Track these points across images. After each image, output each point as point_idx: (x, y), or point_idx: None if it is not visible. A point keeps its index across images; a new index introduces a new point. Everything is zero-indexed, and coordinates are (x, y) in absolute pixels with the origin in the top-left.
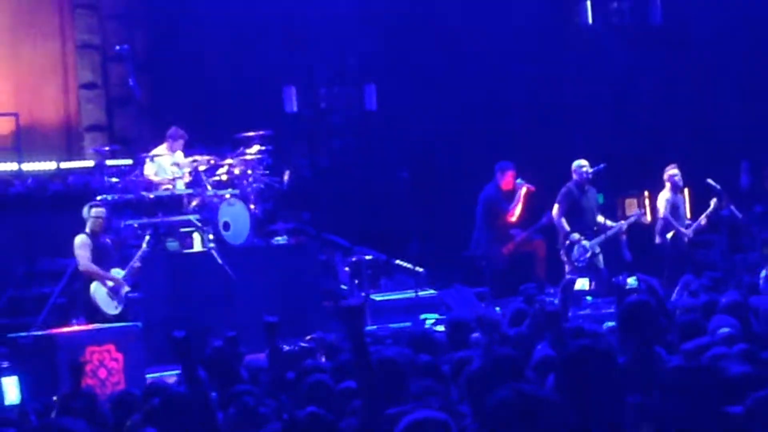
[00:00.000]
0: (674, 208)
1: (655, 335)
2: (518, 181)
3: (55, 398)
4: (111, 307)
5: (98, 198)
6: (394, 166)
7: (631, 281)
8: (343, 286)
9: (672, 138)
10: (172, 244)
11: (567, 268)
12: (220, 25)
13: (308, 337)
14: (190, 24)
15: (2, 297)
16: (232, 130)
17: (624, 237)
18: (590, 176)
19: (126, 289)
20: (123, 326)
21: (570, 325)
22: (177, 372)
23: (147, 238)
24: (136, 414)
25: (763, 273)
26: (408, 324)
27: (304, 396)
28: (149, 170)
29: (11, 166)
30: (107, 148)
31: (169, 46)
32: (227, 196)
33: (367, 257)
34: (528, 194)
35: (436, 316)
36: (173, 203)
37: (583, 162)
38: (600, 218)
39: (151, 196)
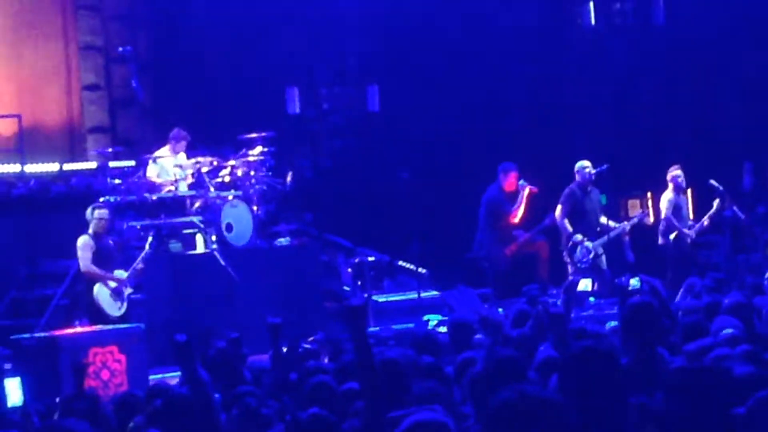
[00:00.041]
0: (677, 209)
1: (658, 336)
2: (521, 182)
3: (57, 400)
4: (114, 309)
5: (101, 199)
6: (396, 167)
7: (634, 282)
8: (346, 287)
9: (675, 139)
10: (175, 246)
11: (570, 269)
12: (223, 26)
13: (311, 339)
14: (192, 25)
15: (5, 298)
16: (234, 131)
17: (627, 238)
18: (593, 177)
19: (129, 290)
20: (126, 328)
21: (573, 326)
22: (180, 373)
23: (150, 239)
24: (138, 415)
25: (767, 274)
26: (411, 325)
27: (307, 397)
28: (152, 172)
29: (14, 168)
30: (110, 150)
31: (171, 48)
32: (230, 197)
33: (370, 258)
34: (531, 195)
35: (439, 317)
36: (176, 205)
37: (586, 163)
38: (603, 219)
39: (154, 197)
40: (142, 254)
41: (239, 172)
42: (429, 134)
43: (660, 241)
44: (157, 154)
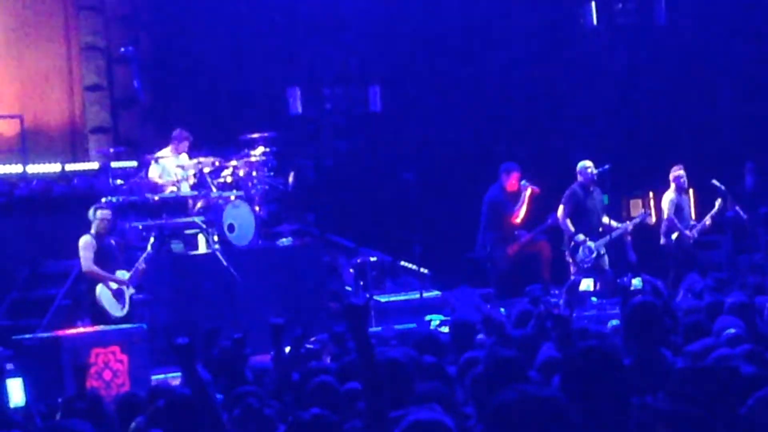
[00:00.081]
0: (679, 209)
1: (660, 336)
2: (523, 182)
3: (60, 400)
4: (116, 309)
5: (103, 200)
6: (398, 167)
7: (636, 282)
8: (348, 288)
9: (677, 139)
10: (177, 246)
11: (572, 269)
12: (225, 26)
13: (312, 339)
14: (194, 26)
15: (7, 299)
16: (236, 131)
17: (629, 238)
18: (595, 177)
19: (131, 290)
20: (128, 328)
21: (575, 326)
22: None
23: (152, 239)
24: (141, 416)
25: None
26: (413, 325)
27: (309, 397)
28: (154, 173)
29: (16, 168)
30: (112, 150)
31: (173, 48)
32: (232, 197)
33: (372, 258)
34: (533, 196)
35: (441, 317)
36: (178, 205)
37: (588, 163)
38: (605, 219)
39: (156, 198)
40: (144, 254)
41: (241, 173)
42: (431, 134)
43: (662, 241)
44: (159, 154)
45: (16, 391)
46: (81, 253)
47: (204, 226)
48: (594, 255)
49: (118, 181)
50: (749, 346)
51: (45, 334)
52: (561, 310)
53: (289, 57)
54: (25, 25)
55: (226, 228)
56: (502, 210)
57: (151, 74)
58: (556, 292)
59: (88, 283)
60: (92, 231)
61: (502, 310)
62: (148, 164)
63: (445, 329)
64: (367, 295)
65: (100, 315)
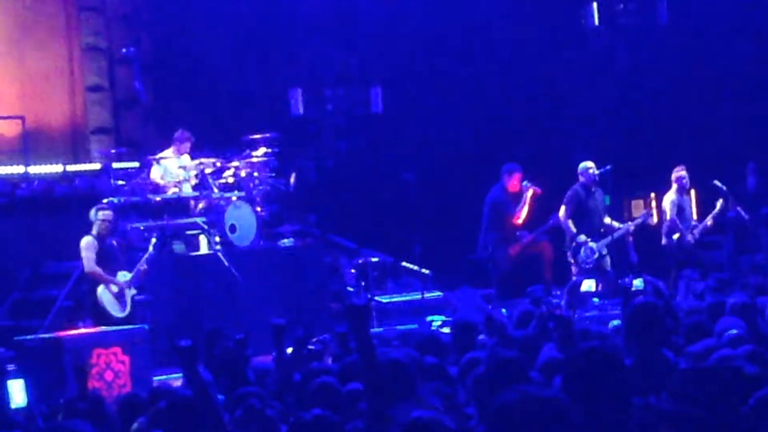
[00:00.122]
0: (680, 209)
1: (662, 337)
2: (524, 183)
3: (61, 401)
4: (117, 310)
5: (104, 201)
6: (399, 168)
7: (638, 283)
8: (350, 288)
9: (678, 139)
10: (179, 247)
11: (574, 269)
12: (226, 27)
13: (314, 339)
14: (196, 26)
15: (8, 299)
16: (238, 132)
17: (630, 238)
18: (597, 178)
19: (132, 291)
20: (129, 329)
21: (576, 327)
22: (182, 374)
23: (153, 240)
24: (142, 416)
25: None
26: (414, 326)
27: (310, 398)
28: (156, 174)
29: (18, 169)
30: (113, 151)
31: (175, 49)
32: (233, 198)
33: (374, 259)
34: (534, 196)
35: (443, 318)
36: (180, 206)
37: (590, 163)
38: (607, 220)
39: (158, 198)
40: (146, 255)
41: (243, 173)
42: (432, 135)
43: (663, 241)
44: (160, 155)
45: (18, 392)
46: (83, 253)
47: (205, 226)
48: (596, 256)
49: (120, 182)
50: (751, 346)
51: (46, 335)
52: (563, 311)
53: (290, 58)
54: (26, 26)
55: (227, 229)
56: (504, 211)
57: (152, 75)
58: (558, 292)
59: (90, 284)
60: (93, 232)
61: (504, 310)
62: (150, 165)
63: (447, 330)
64: (369, 296)
65: (101, 316)
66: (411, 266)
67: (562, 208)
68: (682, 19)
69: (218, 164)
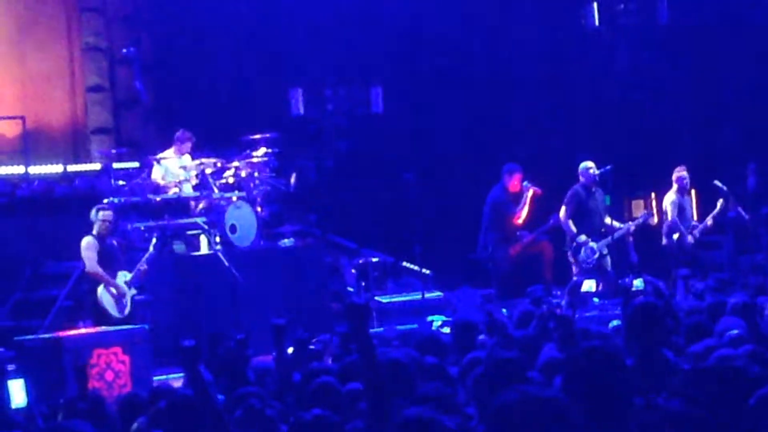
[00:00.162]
0: (680, 209)
1: (662, 337)
2: (525, 183)
3: (61, 401)
4: (117, 310)
5: (105, 201)
6: (400, 168)
7: (638, 283)
8: (350, 288)
9: (679, 139)
10: (179, 247)
11: (574, 269)
12: (227, 27)
13: (314, 339)
14: (196, 26)
15: (9, 299)
16: (238, 132)
17: (631, 239)
18: (597, 178)
19: (132, 291)
20: (130, 329)
21: (577, 326)
22: (184, 375)
23: (154, 240)
24: (142, 416)
25: None
26: (415, 326)
27: (310, 398)
28: (157, 174)
29: (18, 169)
30: (114, 151)
31: (175, 49)
32: (234, 198)
33: (374, 259)
34: (534, 197)
35: (443, 318)
36: (180, 206)
37: (590, 163)
38: (607, 220)
39: (158, 198)
40: (146, 255)
41: (243, 173)
42: (433, 135)
43: (664, 241)
44: (161, 155)
45: (18, 392)
46: (84, 254)
47: (206, 226)
48: (596, 256)
49: (120, 182)
50: (751, 346)
51: (47, 335)
52: (563, 311)
53: (290, 58)
54: (27, 27)
55: (228, 229)
56: (504, 211)
57: (152, 75)
58: (558, 292)
59: (90, 283)
60: (94, 232)
61: (504, 310)
62: (150, 165)
63: (447, 330)
64: (367, 295)
65: (101, 316)
66: (411, 266)
67: (563, 209)
68: (683, 19)
69: (219, 164)
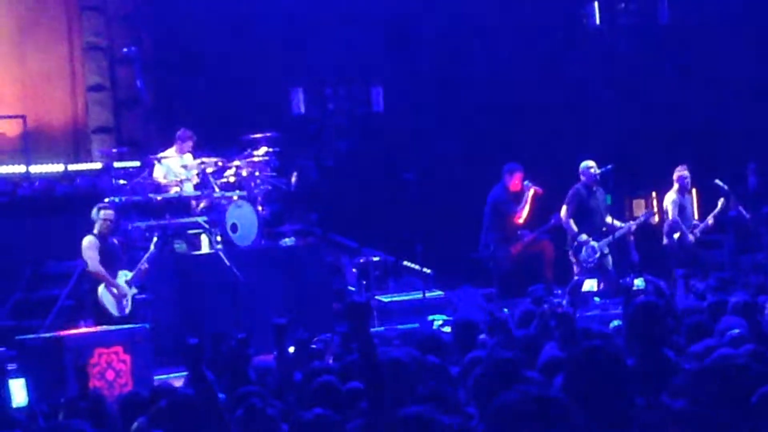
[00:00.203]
0: (681, 208)
1: (663, 337)
2: (526, 183)
3: (62, 400)
4: (118, 309)
5: (106, 200)
6: (401, 167)
7: (639, 283)
8: (351, 287)
9: (680, 138)
10: (180, 246)
11: (575, 269)
12: (227, 26)
13: (315, 339)
14: (197, 26)
15: (10, 299)
16: (239, 131)
17: (632, 238)
18: (598, 177)
19: (133, 291)
20: (131, 328)
21: (578, 325)
22: (185, 374)
23: (155, 239)
24: (143, 416)
25: None
26: (416, 325)
27: (311, 397)
28: (158, 173)
29: (19, 168)
30: (114, 150)
31: (176, 48)
32: (235, 197)
33: (375, 258)
34: (535, 196)
35: (444, 317)
36: (181, 205)
37: (591, 163)
38: (608, 219)
39: (159, 198)
40: (147, 254)
41: (244, 173)
42: (433, 134)
43: (664, 241)
44: (162, 155)
45: (19, 392)
46: (86, 253)
47: (207, 226)
48: (597, 255)
49: (121, 181)
50: (752, 346)
51: (48, 335)
52: (565, 308)
53: (291, 57)
54: (27, 26)
55: (229, 228)
56: (505, 210)
57: (153, 74)
58: (559, 292)
59: (91, 283)
60: (95, 231)
61: (506, 310)
62: (151, 164)
63: (448, 329)
64: (368, 294)
65: (102, 315)
66: (412, 265)
67: (564, 208)
68: (684, 19)
69: (219, 164)
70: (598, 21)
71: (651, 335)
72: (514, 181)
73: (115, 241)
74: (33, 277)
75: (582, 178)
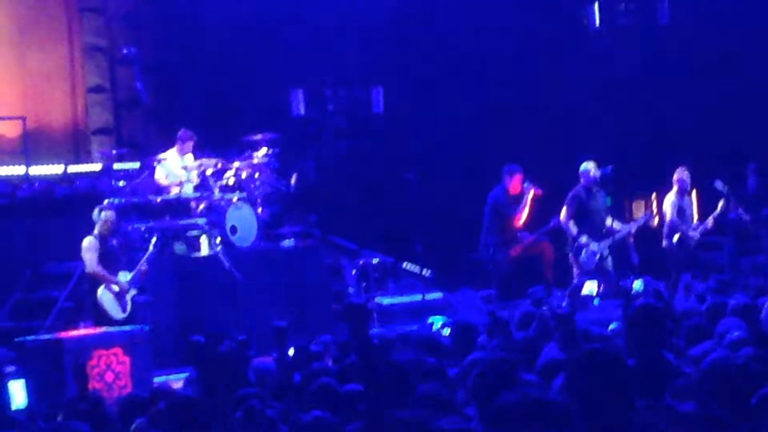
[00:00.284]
0: (681, 210)
1: (662, 339)
2: (525, 184)
3: (62, 402)
4: (118, 311)
5: (106, 201)
6: (401, 169)
7: (638, 285)
8: (351, 289)
9: (679, 140)
10: (180, 248)
11: (575, 271)
12: (227, 27)
13: (315, 341)
14: (197, 27)
15: (9, 300)
16: (239, 133)
17: (632, 240)
18: (598, 179)
19: (133, 292)
20: (130, 329)
21: (577, 327)
22: (184, 375)
23: (154, 241)
24: (142, 417)
25: None
26: (415, 327)
27: (310, 399)
28: (160, 174)
29: (19, 170)
30: (114, 152)
31: (176, 49)
32: (234, 199)
33: (375, 260)
34: (535, 198)
35: (444, 319)
36: (181, 206)
37: (591, 164)
38: (608, 221)
39: (159, 199)
40: (146, 256)
41: (244, 174)
42: (433, 136)
43: (664, 243)
44: (163, 156)
45: (19, 393)
46: (86, 254)
47: (206, 227)
48: (597, 257)
49: (121, 183)
50: (752, 348)
51: (47, 336)
52: (564, 309)
53: (291, 58)
54: (27, 27)
55: (228, 229)
56: (505, 212)
57: (153, 75)
58: (559, 294)
59: (90, 284)
60: (96, 232)
61: (505, 311)
62: (151, 165)
63: (447, 331)
64: (367, 296)
65: (102, 316)
66: (412, 267)
67: (564, 210)
68: (683, 19)
69: (219, 165)
70: (598, 22)
71: (650, 338)
72: (514, 183)
73: (115, 242)
74: (33, 279)
75: (582, 179)
